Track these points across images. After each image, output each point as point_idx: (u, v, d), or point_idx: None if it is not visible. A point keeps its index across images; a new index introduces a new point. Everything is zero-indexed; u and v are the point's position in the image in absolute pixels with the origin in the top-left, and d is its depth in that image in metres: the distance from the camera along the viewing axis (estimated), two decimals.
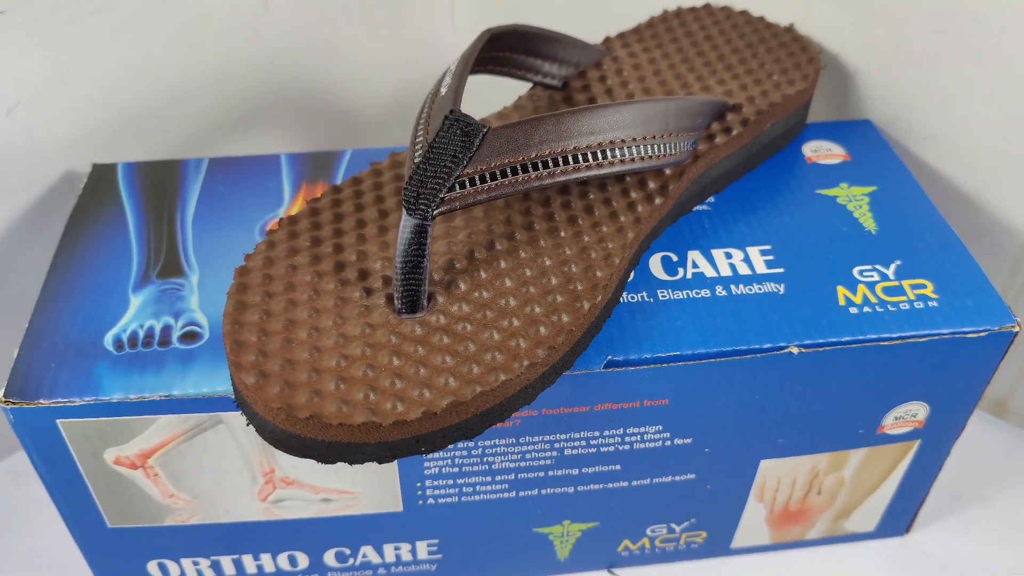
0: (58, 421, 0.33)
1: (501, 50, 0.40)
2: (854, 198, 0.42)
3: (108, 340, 0.35)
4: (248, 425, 0.31)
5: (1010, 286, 0.47)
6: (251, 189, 0.42)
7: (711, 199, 0.41)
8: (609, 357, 0.35)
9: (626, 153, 0.33)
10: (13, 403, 0.33)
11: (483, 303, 0.33)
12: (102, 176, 0.42)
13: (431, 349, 0.31)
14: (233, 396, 0.32)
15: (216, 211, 0.41)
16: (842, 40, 0.47)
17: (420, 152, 0.32)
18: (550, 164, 0.32)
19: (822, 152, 0.44)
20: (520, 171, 0.32)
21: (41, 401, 0.33)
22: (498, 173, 0.32)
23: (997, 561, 0.46)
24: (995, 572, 0.45)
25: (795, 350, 0.35)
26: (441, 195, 0.31)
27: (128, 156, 0.46)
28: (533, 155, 0.32)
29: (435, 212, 0.31)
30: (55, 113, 0.44)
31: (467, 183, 0.31)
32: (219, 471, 0.36)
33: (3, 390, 0.33)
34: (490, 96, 0.47)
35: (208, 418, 0.34)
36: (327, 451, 0.30)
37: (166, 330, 0.35)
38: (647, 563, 0.45)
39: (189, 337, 0.35)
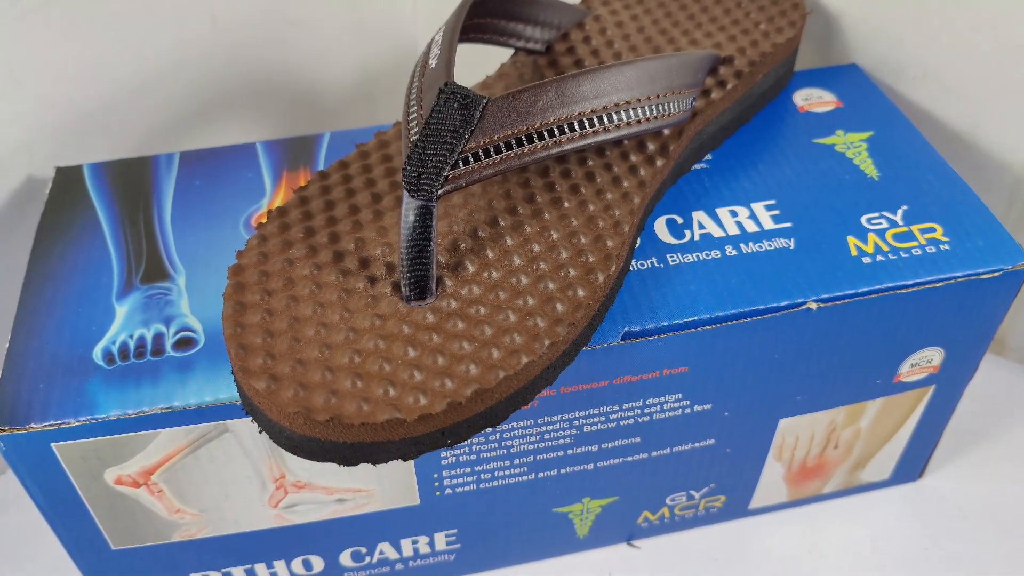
0: (53, 445, 0.31)
1: (482, 16, 0.39)
2: (852, 145, 0.41)
3: (97, 354, 0.33)
4: (261, 432, 0.30)
5: (1007, 219, 0.47)
6: (230, 181, 0.40)
7: (708, 156, 0.40)
8: (626, 328, 0.33)
9: (631, 115, 0.32)
10: (3, 430, 0.30)
11: (494, 283, 0.31)
12: (67, 179, 0.40)
13: (447, 336, 0.30)
14: (240, 403, 0.30)
15: (195, 207, 0.38)
16: None
17: (416, 129, 0.31)
18: (556, 132, 0.30)
19: (813, 100, 0.43)
20: (525, 142, 0.30)
21: (33, 425, 0.31)
22: (502, 146, 0.30)
23: (1013, 498, 0.46)
24: (1012, 509, 0.45)
25: (813, 306, 0.34)
26: (444, 173, 0.29)
27: (89, 157, 0.44)
28: (537, 124, 0.30)
29: (439, 192, 0.29)
30: (8, 116, 0.41)
31: (470, 159, 0.30)
32: (227, 481, 0.34)
33: None
34: (468, 66, 0.45)
35: (213, 427, 0.32)
36: (349, 453, 0.28)
37: (158, 338, 0.33)
38: (666, 531, 0.44)
39: (184, 344, 0.33)
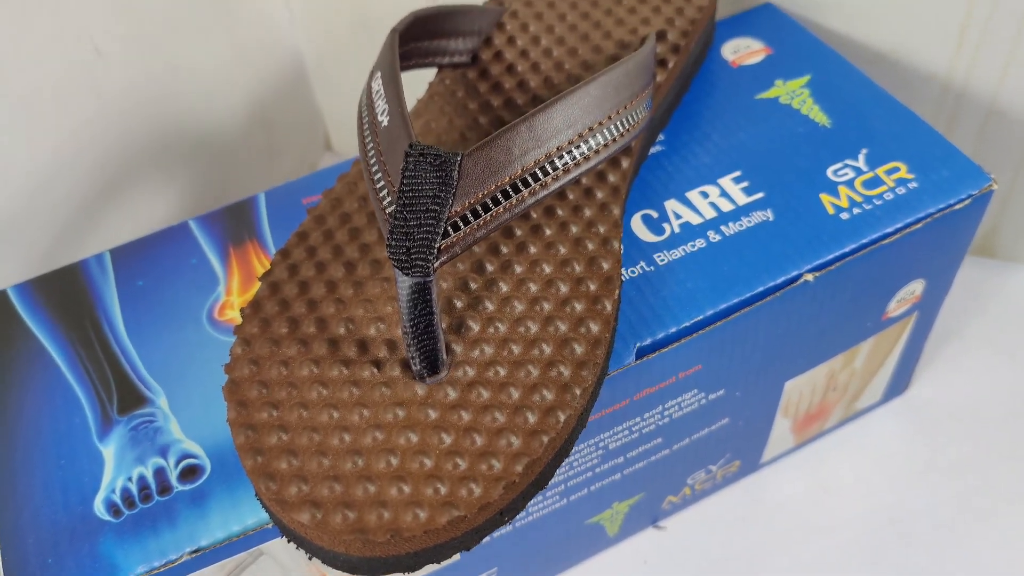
0: None
1: (404, 44, 0.36)
2: (794, 94, 0.40)
3: (100, 508, 0.30)
4: (311, 559, 0.28)
5: (936, 128, 0.48)
6: (175, 273, 0.37)
7: (661, 137, 0.39)
8: (638, 344, 0.33)
9: (607, 134, 0.31)
10: None
11: (503, 338, 0.30)
12: None
13: (475, 410, 0.28)
14: (279, 531, 0.28)
15: (148, 311, 0.35)
16: None
17: (390, 200, 0.29)
18: (539, 175, 0.29)
19: (742, 51, 0.43)
20: (512, 192, 0.29)
21: None
22: (489, 202, 0.28)
23: (996, 389, 0.47)
24: (998, 401, 0.47)
25: (810, 277, 0.34)
26: (436, 244, 0.28)
27: (2, 280, 0.40)
28: (519, 171, 0.29)
29: (436, 265, 0.28)
30: None
31: (459, 223, 0.28)
32: None
33: None
34: None
35: (247, 555, 0.30)
36: (413, 561, 0.27)
37: (160, 474, 0.31)
38: (688, 506, 0.44)
39: (190, 473, 0.31)
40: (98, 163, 0.44)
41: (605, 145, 0.30)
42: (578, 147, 0.30)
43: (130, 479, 0.31)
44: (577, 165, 0.30)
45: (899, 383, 0.46)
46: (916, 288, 0.39)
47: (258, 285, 0.35)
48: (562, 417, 0.28)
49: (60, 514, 0.30)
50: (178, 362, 0.34)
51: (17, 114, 0.40)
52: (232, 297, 0.36)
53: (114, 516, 0.30)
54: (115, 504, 0.30)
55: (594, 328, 0.30)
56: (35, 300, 0.36)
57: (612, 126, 0.31)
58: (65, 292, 0.37)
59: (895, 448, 0.46)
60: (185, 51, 0.49)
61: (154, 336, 0.35)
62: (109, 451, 0.31)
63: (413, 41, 0.36)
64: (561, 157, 0.29)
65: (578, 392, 0.29)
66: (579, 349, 0.30)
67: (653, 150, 0.39)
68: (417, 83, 0.41)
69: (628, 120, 0.32)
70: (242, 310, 0.31)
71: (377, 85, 0.32)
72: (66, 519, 0.30)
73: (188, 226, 0.38)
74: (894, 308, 0.39)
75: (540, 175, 0.29)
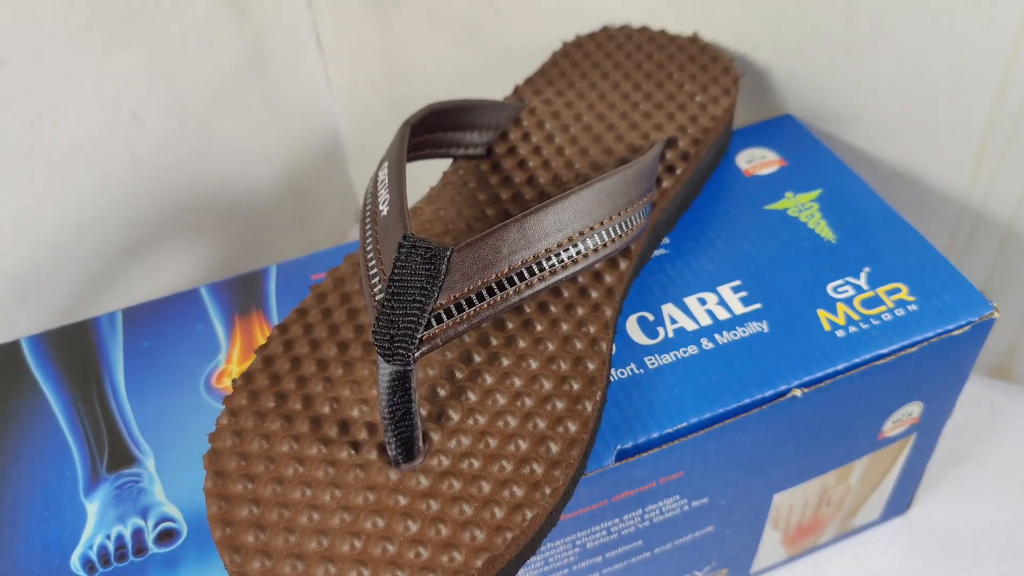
0: None
1: (420, 134, 0.37)
2: (803, 207, 0.41)
3: (76, 563, 0.31)
4: None
5: (952, 247, 0.48)
6: (180, 338, 0.38)
7: (666, 240, 0.40)
8: (619, 447, 0.33)
9: (597, 240, 0.31)
10: None
11: (482, 430, 0.30)
12: (5, 358, 0.38)
13: (444, 501, 0.29)
14: None
15: (149, 373, 0.37)
16: (747, 37, 0.46)
17: (380, 288, 0.29)
18: (525, 275, 0.30)
19: (756, 162, 0.43)
20: (497, 290, 0.29)
21: None
22: (474, 298, 0.29)
23: (997, 521, 0.46)
24: (999, 533, 0.46)
25: (798, 392, 0.34)
26: (419, 335, 0.28)
27: (19, 329, 0.41)
28: (506, 269, 0.29)
29: (416, 355, 0.28)
30: None
31: (443, 315, 0.29)
32: None
33: None
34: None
35: None
36: None
37: (137, 534, 0.31)
38: None
39: (166, 537, 0.31)
40: (128, 223, 0.46)
41: (595, 250, 0.31)
42: (567, 250, 0.30)
43: (108, 537, 0.31)
44: (565, 267, 0.30)
45: (899, 502, 0.46)
46: (914, 410, 0.39)
47: (254, 357, 0.36)
48: (529, 515, 0.28)
49: (36, 567, 0.31)
50: (171, 425, 0.35)
51: (51, 172, 0.42)
52: (231, 366, 0.37)
53: (88, 573, 0.30)
54: (91, 561, 0.31)
55: (572, 428, 0.30)
56: (45, 353, 0.38)
57: (604, 232, 0.31)
58: (74, 347, 0.38)
59: (892, 570, 0.45)
60: (224, 123, 0.51)
61: (152, 398, 0.36)
62: (93, 507, 0.32)
63: (428, 132, 0.38)
64: (549, 259, 0.30)
65: (548, 491, 0.29)
66: (554, 448, 0.30)
67: (657, 252, 0.39)
68: (436, 169, 0.42)
69: (622, 227, 0.32)
70: (234, 381, 0.32)
71: (383, 175, 0.33)
72: (42, 572, 0.31)
73: (199, 292, 0.40)
74: (890, 428, 0.39)
75: (527, 275, 0.30)
